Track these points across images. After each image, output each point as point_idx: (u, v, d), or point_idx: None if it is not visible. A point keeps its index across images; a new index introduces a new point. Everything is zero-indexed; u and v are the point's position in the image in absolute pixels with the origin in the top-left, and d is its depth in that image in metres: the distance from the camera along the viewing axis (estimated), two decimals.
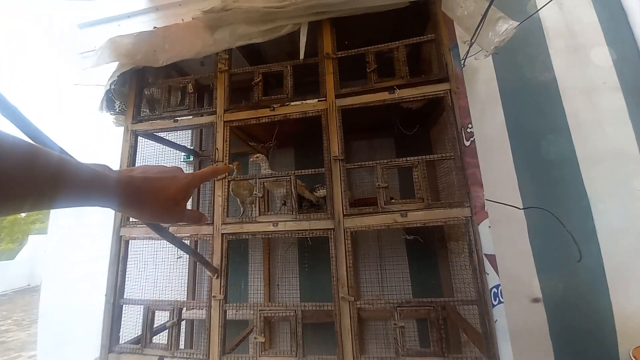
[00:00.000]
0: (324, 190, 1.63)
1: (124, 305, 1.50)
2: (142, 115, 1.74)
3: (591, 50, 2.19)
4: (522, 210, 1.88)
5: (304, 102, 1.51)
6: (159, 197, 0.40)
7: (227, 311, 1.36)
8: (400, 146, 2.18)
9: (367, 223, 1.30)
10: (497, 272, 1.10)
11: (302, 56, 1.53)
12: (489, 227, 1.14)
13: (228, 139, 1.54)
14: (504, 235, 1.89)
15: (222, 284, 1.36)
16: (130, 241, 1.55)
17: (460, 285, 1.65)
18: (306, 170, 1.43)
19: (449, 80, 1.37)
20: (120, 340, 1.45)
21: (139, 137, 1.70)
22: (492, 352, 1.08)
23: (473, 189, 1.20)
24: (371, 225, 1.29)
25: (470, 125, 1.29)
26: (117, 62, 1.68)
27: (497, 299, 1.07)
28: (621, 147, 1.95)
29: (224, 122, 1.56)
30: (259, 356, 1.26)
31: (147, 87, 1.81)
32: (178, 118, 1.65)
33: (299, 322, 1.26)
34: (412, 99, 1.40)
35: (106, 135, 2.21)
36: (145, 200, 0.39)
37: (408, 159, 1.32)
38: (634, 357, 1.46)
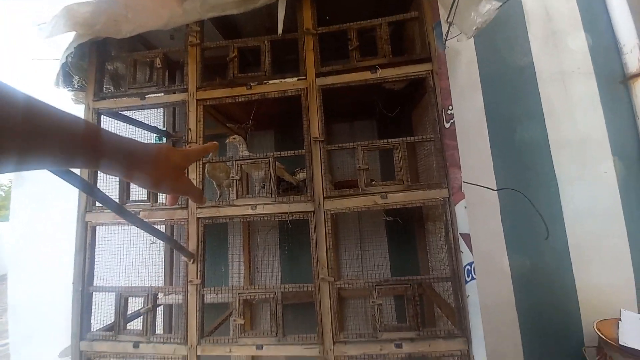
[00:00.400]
0: (304, 174, 1.61)
1: (98, 293, 1.44)
2: (105, 92, 1.59)
3: (568, 36, 2.24)
4: (496, 192, 1.96)
5: (282, 80, 1.44)
6: (164, 163, 0.39)
7: (206, 295, 1.34)
8: (382, 129, 2.17)
9: (347, 205, 1.29)
10: (471, 251, 1.14)
11: (280, 31, 1.44)
12: (465, 207, 1.17)
13: (202, 119, 1.45)
14: (478, 215, 1.97)
15: (198, 269, 1.32)
16: (98, 227, 1.47)
17: (436, 264, 1.72)
18: (285, 152, 1.39)
19: (431, 60, 1.34)
20: (93, 328, 1.40)
21: (102, 117, 1.57)
22: (464, 326, 1.13)
23: (451, 170, 1.22)
24: (352, 207, 1.29)
25: (450, 107, 1.29)
26: (75, 33, 1.51)
27: (470, 275, 1.12)
28: (590, 133, 2.05)
29: (197, 100, 1.46)
30: (239, 337, 1.26)
31: (110, 61, 1.65)
32: (146, 95, 1.53)
33: (278, 303, 1.26)
34: (394, 79, 1.36)
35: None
36: (150, 166, 0.38)
37: (389, 140, 1.30)
38: (598, 330, 1.59)
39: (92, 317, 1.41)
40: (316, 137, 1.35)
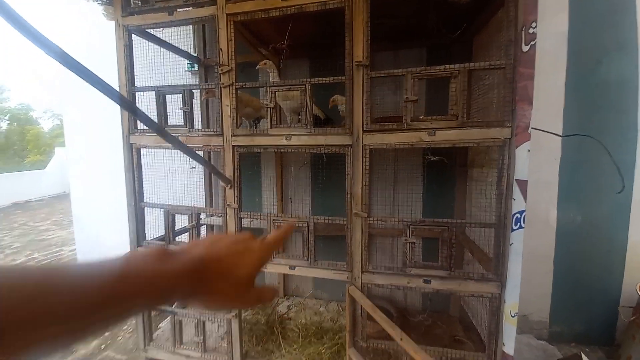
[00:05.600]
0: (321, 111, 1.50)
1: (147, 209, 1.58)
2: (132, 7, 1.47)
3: None
4: (560, 138, 1.71)
5: None
6: (229, 278, 0.32)
7: (243, 219, 1.42)
8: (433, 58, 1.87)
9: (388, 140, 1.19)
10: (525, 199, 1.03)
11: None
12: (529, 150, 1.02)
13: (232, 38, 1.32)
14: (531, 162, 1.77)
15: (235, 194, 1.37)
16: (145, 153, 1.54)
17: (474, 210, 1.64)
18: (323, 79, 1.25)
19: None
20: (147, 238, 1.58)
21: (133, 37, 1.49)
22: (500, 271, 1.10)
23: (520, 106, 1.03)
24: (393, 143, 1.18)
25: (534, 24, 1.02)
26: None
27: (519, 224, 1.03)
28: None
29: (227, 15, 1.31)
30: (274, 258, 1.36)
31: None
32: (174, 10, 1.39)
33: (311, 232, 1.30)
34: None
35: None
36: (214, 285, 0.31)
37: (447, 66, 1.11)
38: None
39: (147, 230, 1.58)
40: (359, 61, 1.18)
